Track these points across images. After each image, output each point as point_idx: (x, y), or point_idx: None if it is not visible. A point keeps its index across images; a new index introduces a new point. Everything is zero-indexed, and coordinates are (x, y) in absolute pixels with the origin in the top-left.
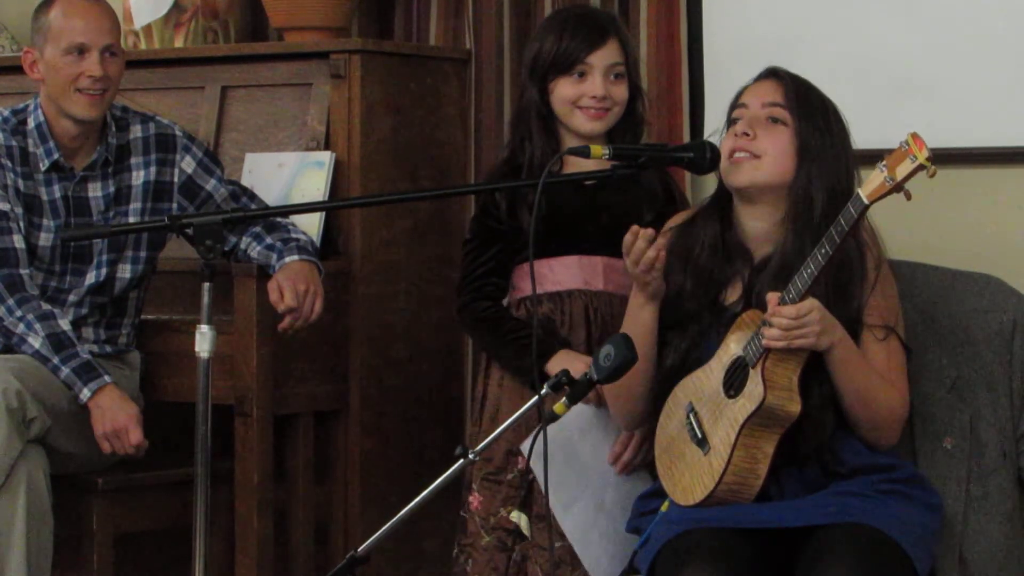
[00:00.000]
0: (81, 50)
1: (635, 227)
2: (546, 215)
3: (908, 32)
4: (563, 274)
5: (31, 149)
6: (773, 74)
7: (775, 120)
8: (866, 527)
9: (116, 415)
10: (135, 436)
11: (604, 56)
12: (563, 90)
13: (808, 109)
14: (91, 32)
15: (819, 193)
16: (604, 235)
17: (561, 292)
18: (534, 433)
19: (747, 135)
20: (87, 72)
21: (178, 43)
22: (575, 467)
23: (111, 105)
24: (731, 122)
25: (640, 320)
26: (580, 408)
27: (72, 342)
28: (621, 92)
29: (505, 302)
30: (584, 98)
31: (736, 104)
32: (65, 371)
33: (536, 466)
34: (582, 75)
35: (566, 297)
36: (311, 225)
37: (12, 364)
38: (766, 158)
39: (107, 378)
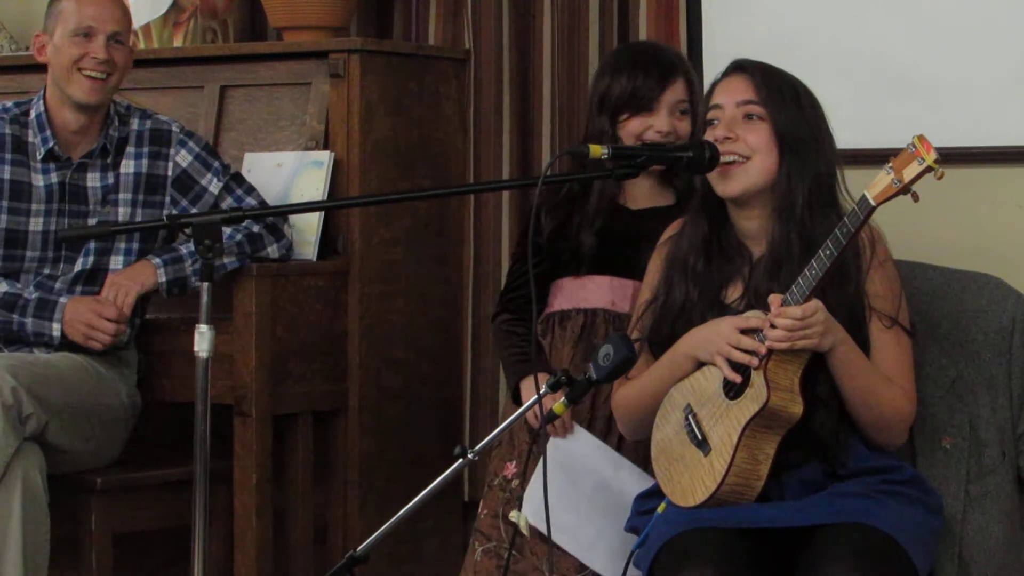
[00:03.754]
0: (88, 33)
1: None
2: (584, 251)
3: (908, 32)
4: (594, 292)
5: (29, 139)
6: (740, 68)
7: (751, 117)
8: (866, 527)
9: (80, 316)
10: (109, 313)
11: (672, 94)
12: (633, 126)
13: (780, 97)
14: (100, 18)
15: (800, 185)
16: (641, 261)
17: (586, 309)
18: (527, 454)
19: (729, 139)
20: (91, 53)
21: (177, 42)
22: (570, 503)
23: (115, 102)
24: (707, 123)
25: (682, 368)
26: (557, 443)
27: (17, 294)
28: (685, 127)
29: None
30: (650, 131)
31: (709, 104)
32: (29, 321)
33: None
34: (650, 112)
35: (591, 315)
36: (310, 225)
37: (8, 361)
38: (755, 157)
39: (62, 300)
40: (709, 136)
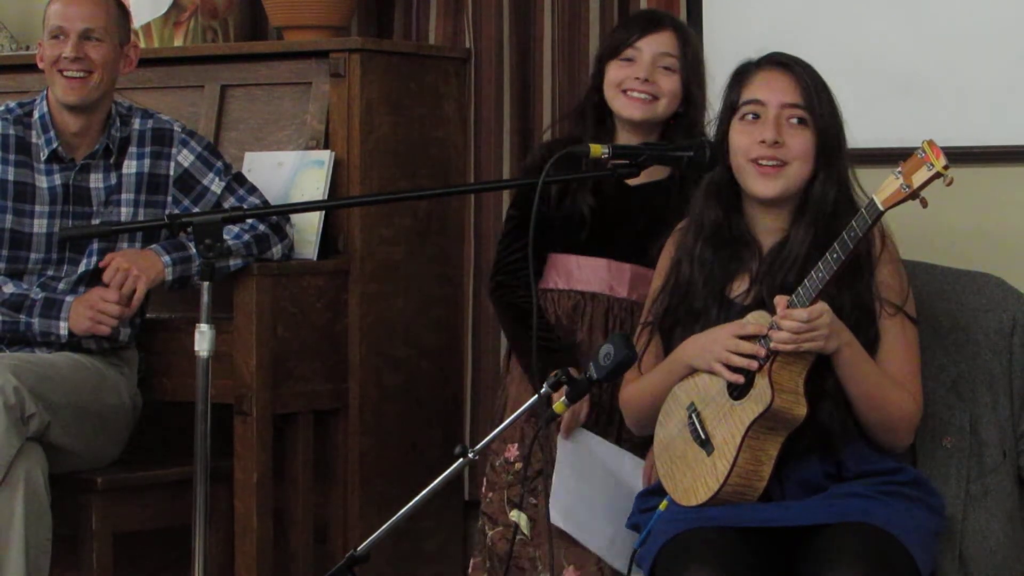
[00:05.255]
0: (59, 34)
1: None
2: (585, 212)
3: (908, 31)
4: (590, 275)
5: (33, 140)
6: (786, 67)
7: (799, 121)
8: (869, 526)
9: (84, 302)
10: (111, 296)
11: (654, 42)
12: (612, 73)
13: (821, 103)
14: (69, 16)
15: (831, 190)
16: (637, 240)
17: (585, 292)
18: (532, 440)
19: (779, 143)
20: (64, 53)
21: (177, 42)
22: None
23: (117, 102)
24: (739, 110)
25: (680, 377)
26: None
27: (24, 294)
28: (669, 83)
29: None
30: (629, 80)
31: (748, 98)
32: (36, 321)
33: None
34: (630, 60)
35: (589, 299)
36: (310, 224)
37: (10, 361)
38: (794, 164)
39: (68, 299)
40: (748, 134)
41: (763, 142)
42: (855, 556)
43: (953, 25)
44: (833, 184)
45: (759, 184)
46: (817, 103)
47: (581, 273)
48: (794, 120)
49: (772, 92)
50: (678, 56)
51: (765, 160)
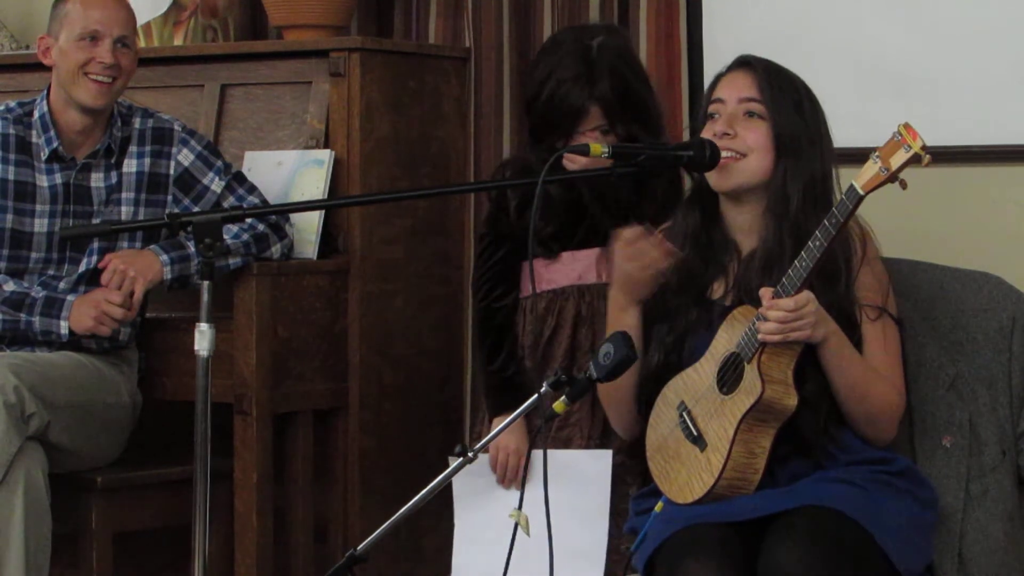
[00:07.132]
0: (94, 37)
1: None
2: (540, 217)
3: (908, 31)
4: (557, 272)
5: (33, 139)
6: (745, 64)
7: (751, 115)
8: (825, 509)
9: (91, 303)
10: (114, 299)
11: (586, 125)
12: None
13: (781, 98)
14: (106, 21)
15: (795, 185)
16: (593, 226)
17: (556, 290)
18: (530, 444)
19: (728, 135)
20: (98, 58)
21: (177, 41)
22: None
23: (118, 102)
24: (708, 116)
25: (623, 324)
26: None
27: (24, 292)
28: (612, 140)
29: None
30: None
31: (711, 98)
32: (37, 320)
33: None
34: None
35: (559, 295)
36: (310, 223)
37: (11, 360)
38: (751, 156)
39: (69, 298)
40: (708, 130)
41: (715, 135)
42: (802, 537)
43: (953, 25)
44: (798, 181)
45: (715, 178)
46: (774, 97)
47: (549, 273)
48: (749, 113)
49: (731, 90)
50: (608, 124)
51: (722, 152)
